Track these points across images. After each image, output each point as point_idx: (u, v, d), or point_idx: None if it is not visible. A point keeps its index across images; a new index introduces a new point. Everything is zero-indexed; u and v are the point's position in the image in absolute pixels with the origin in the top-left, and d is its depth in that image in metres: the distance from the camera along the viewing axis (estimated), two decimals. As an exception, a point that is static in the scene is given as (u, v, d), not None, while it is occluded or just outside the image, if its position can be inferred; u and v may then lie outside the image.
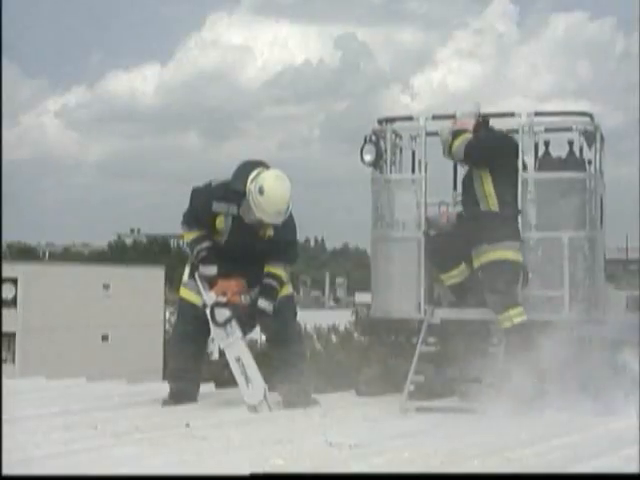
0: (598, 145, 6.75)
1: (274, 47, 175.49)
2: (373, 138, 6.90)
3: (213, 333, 6.09)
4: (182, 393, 6.17)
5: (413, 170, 7.00)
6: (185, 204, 6.28)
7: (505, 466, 4.20)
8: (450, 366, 6.41)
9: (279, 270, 6.18)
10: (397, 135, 7.05)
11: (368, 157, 6.93)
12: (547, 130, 6.78)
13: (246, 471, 3.87)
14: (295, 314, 6.44)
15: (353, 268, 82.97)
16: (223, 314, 6.01)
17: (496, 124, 6.89)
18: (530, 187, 6.55)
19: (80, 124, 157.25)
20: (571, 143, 6.69)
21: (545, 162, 6.74)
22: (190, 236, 6.24)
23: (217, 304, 6.02)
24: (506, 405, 5.76)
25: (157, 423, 5.31)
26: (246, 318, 6.11)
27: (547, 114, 6.93)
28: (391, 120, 7.07)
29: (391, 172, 6.95)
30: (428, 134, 6.87)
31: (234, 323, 6.02)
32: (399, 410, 6.03)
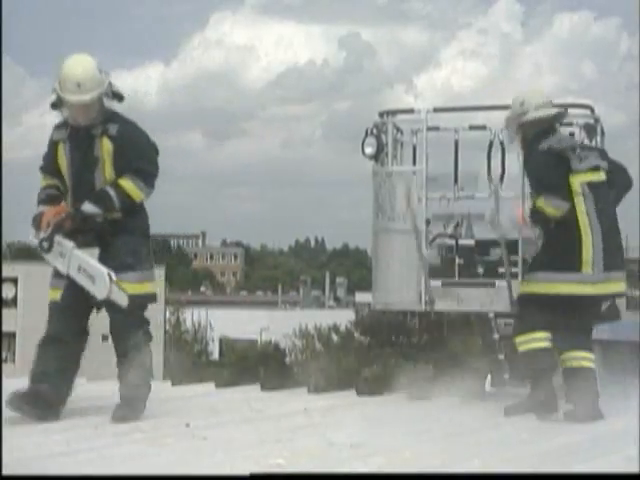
0: (599, 138, 6.75)
1: (278, 47, 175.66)
2: (374, 131, 6.92)
3: (52, 265, 5.51)
4: (38, 396, 5.30)
5: (414, 163, 7.02)
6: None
7: (506, 466, 4.19)
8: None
9: (124, 181, 5.42)
10: (398, 129, 7.06)
11: (369, 150, 6.95)
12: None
13: (246, 471, 3.87)
14: (143, 312, 5.63)
15: (353, 268, 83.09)
16: (47, 241, 5.45)
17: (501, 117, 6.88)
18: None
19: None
20: (572, 135, 6.69)
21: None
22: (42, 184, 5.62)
23: (42, 240, 5.45)
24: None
25: (157, 423, 5.30)
26: (77, 230, 5.44)
27: None
28: (392, 113, 7.09)
29: (392, 165, 6.97)
30: (429, 129, 6.89)
31: (61, 240, 5.42)
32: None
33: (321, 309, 49.65)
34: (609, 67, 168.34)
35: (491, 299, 6.65)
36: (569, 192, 5.81)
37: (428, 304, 6.71)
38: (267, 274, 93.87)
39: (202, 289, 76.22)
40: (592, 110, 6.85)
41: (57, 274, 5.54)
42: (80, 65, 5.44)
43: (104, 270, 5.34)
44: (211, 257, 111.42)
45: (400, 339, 7.48)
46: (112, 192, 5.41)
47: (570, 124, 6.83)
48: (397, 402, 6.48)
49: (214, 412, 5.84)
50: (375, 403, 6.46)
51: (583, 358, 5.83)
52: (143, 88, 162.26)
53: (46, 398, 5.30)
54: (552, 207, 5.77)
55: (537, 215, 5.86)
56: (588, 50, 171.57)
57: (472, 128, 7.16)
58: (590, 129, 6.69)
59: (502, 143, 6.89)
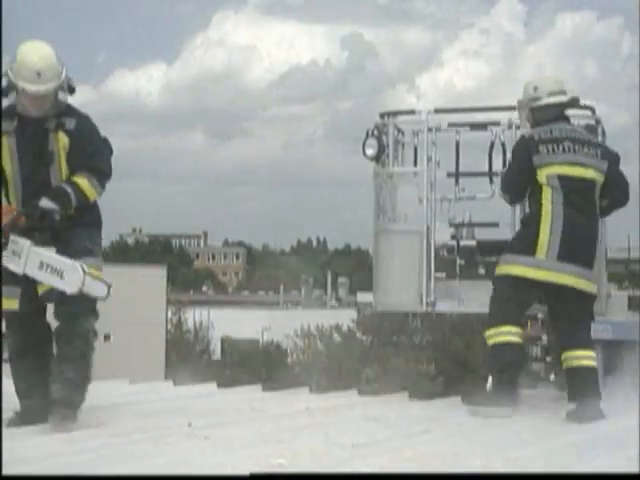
0: (600, 139, 6.75)
1: (280, 47, 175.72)
2: (375, 132, 6.92)
3: (3, 266, 5.11)
4: (31, 412, 5.15)
5: (415, 164, 7.03)
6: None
7: (508, 466, 4.19)
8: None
9: (80, 179, 5.17)
10: (399, 130, 7.07)
11: (370, 151, 6.96)
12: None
13: (248, 470, 3.87)
14: (93, 307, 5.29)
15: (355, 268, 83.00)
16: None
17: (500, 117, 6.90)
18: None
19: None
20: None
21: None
22: None
23: None
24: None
25: (159, 423, 5.31)
26: (32, 227, 5.12)
27: None
28: (393, 114, 7.09)
29: (393, 166, 6.98)
30: (430, 129, 6.89)
31: (15, 238, 5.08)
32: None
33: (323, 309, 49.58)
34: (612, 67, 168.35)
35: None
36: (534, 182, 5.90)
37: (429, 305, 6.72)
38: (269, 274, 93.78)
39: (204, 289, 76.17)
40: (593, 111, 6.86)
41: (9, 280, 5.11)
42: (39, 53, 5.14)
43: (74, 262, 5.04)
44: (213, 257, 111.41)
45: (402, 339, 7.47)
46: (69, 189, 5.15)
47: (571, 124, 6.83)
48: (399, 402, 6.48)
49: (216, 412, 5.84)
50: (377, 403, 6.45)
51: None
52: (145, 88, 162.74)
53: (40, 412, 5.08)
54: (501, 197, 6.29)
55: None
56: (591, 50, 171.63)
57: (473, 128, 7.16)
58: (591, 130, 6.69)
59: (503, 144, 6.90)
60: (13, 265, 5.11)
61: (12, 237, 5.10)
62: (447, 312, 6.85)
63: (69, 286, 5.04)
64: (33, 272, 5.09)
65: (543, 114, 6.02)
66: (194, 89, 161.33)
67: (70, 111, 5.25)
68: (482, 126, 7.05)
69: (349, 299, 59.40)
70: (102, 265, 5.41)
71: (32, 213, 5.11)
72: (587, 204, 5.96)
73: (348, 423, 5.52)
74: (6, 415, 5.01)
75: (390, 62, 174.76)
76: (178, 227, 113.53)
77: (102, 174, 5.30)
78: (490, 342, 5.90)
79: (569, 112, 6.29)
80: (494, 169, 7.03)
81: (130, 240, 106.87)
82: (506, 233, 6.71)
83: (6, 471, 3.79)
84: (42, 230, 5.12)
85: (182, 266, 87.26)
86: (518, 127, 6.69)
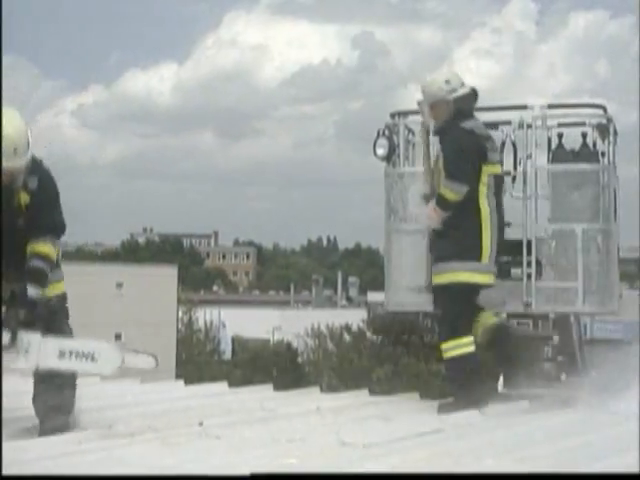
0: (611, 138, 6.74)
1: (291, 46, 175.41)
2: (386, 132, 6.91)
3: (10, 364, 4.87)
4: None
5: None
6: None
7: (519, 466, 4.19)
8: None
9: (45, 247, 5.04)
10: (410, 130, 7.06)
11: (381, 151, 6.94)
12: (560, 125, 6.79)
13: (260, 469, 3.87)
14: (66, 321, 5.29)
15: (365, 267, 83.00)
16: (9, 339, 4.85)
17: (509, 116, 6.87)
18: (543, 179, 6.57)
19: (97, 123, 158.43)
20: (584, 135, 6.68)
21: (558, 154, 6.74)
22: None
23: None
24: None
25: (170, 422, 5.31)
26: (29, 316, 4.94)
27: (560, 106, 6.93)
28: (404, 114, 7.08)
29: (404, 166, 6.97)
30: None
31: (22, 336, 4.87)
32: None
33: (333, 309, 49.60)
34: (624, 66, 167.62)
35: (504, 299, 6.64)
36: (476, 180, 5.93)
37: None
38: (279, 273, 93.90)
39: (214, 288, 76.28)
40: (605, 110, 6.84)
41: None
42: (12, 125, 4.89)
43: (108, 342, 4.98)
44: (223, 256, 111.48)
45: (412, 338, 7.46)
46: (42, 264, 5.01)
47: (583, 124, 6.82)
48: (410, 401, 6.47)
49: (227, 411, 5.84)
50: (388, 402, 6.45)
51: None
52: (157, 88, 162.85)
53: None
54: (451, 191, 5.92)
55: (442, 202, 5.98)
56: (603, 49, 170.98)
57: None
58: (603, 129, 6.68)
59: (514, 144, 6.88)
60: (22, 363, 4.88)
61: (20, 334, 4.84)
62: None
63: (105, 368, 4.89)
64: (53, 363, 4.88)
65: (465, 104, 6.12)
66: (205, 89, 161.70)
67: (33, 167, 5.05)
68: (493, 125, 7.03)
69: (359, 299, 59.46)
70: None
71: (30, 305, 4.93)
72: (500, 204, 6.13)
73: (359, 423, 5.51)
74: (6, 415, 4.97)
75: (401, 61, 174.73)
76: (189, 226, 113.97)
77: (60, 229, 5.21)
78: (450, 355, 5.96)
79: (584, 112, 6.33)
80: (505, 168, 7.00)
81: (141, 239, 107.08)
82: (517, 233, 6.68)
83: (6, 471, 3.78)
84: (37, 319, 4.96)
85: (193, 266, 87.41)
86: (530, 126, 6.67)
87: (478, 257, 5.92)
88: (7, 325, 4.84)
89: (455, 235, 5.95)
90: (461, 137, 6.03)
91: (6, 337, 4.82)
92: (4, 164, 4.83)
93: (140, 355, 5.03)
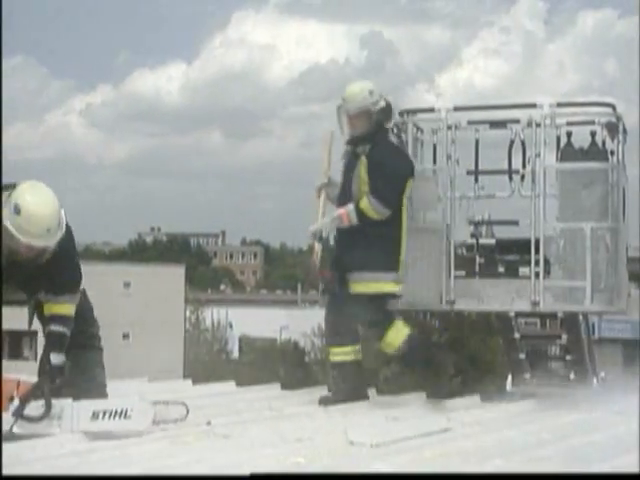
0: (620, 137, 6.72)
1: (300, 46, 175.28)
2: (394, 130, 6.90)
3: (45, 430, 4.76)
4: None
5: (435, 162, 7.01)
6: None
7: (527, 465, 4.17)
8: None
9: (64, 307, 5.11)
10: (418, 128, 7.05)
11: None
12: (569, 123, 6.77)
13: (268, 469, 3.86)
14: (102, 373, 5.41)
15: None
16: (32, 413, 4.79)
17: (518, 115, 6.86)
18: (552, 178, 6.56)
19: (105, 123, 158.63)
20: (593, 134, 6.66)
21: (567, 153, 6.73)
22: None
23: (16, 414, 4.76)
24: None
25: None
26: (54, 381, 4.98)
27: (569, 105, 6.92)
28: (412, 112, 7.08)
29: None
30: (449, 127, 6.87)
31: (53, 402, 4.84)
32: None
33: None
34: (632, 65, 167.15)
35: (512, 298, 6.63)
36: (401, 198, 6.07)
37: (449, 303, 6.70)
38: (287, 273, 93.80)
39: (222, 288, 76.31)
40: (614, 108, 6.82)
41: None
42: (47, 206, 4.87)
43: (139, 398, 5.00)
44: (231, 256, 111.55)
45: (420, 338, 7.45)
46: (62, 329, 5.07)
47: (592, 122, 6.80)
48: (417, 401, 6.46)
49: (235, 411, 5.84)
50: (395, 402, 6.44)
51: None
52: (165, 87, 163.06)
53: None
54: (374, 211, 5.98)
55: (361, 216, 6.01)
56: (611, 48, 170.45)
57: (493, 126, 7.13)
58: (612, 127, 6.66)
59: (523, 142, 6.87)
60: (55, 429, 4.82)
61: (51, 401, 4.82)
62: (466, 310, 6.81)
63: (140, 424, 4.86)
64: (87, 426, 4.84)
65: (386, 116, 6.19)
66: (213, 88, 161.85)
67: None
68: (502, 124, 7.02)
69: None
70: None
71: (55, 374, 5.00)
72: None
73: (367, 422, 5.51)
74: (6, 416, 4.95)
75: (409, 61, 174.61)
76: (196, 226, 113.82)
77: (78, 285, 5.24)
78: (335, 360, 6.23)
79: (593, 111, 6.33)
80: (514, 167, 6.99)
81: (148, 239, 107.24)
82: (525, 232, 6.67)
83: (6, 471, 3.77)
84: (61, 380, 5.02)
85: (200, 265, 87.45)
86: (539, 125, 6.65)
87: (397, 268, 6.06)
88: (40, 396, 4.84)
89: (378, 245, 6.02)
90: (393, 156, 6.14)
91: (40, 409, 4.81)
92: (35, 242, 4.80)
93: (171, 406, 5.06)
